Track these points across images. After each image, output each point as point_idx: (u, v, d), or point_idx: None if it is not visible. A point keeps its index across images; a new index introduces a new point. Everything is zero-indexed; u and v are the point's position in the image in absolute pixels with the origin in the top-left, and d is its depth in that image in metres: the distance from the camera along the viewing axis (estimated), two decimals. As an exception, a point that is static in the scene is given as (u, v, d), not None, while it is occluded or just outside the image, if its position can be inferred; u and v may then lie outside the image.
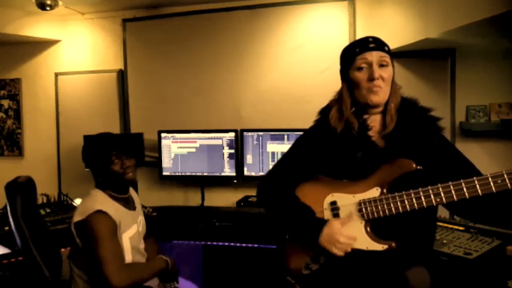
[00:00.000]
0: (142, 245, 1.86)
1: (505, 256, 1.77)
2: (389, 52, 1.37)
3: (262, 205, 1.56)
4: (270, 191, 1.53)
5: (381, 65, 1.34)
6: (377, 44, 1.36)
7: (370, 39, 1.37)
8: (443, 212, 2.01)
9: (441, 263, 1.78)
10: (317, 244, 1.35)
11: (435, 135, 1.36)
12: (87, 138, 1.80)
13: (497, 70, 2.74)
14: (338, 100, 1.44)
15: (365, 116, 1.39)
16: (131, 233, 1.77)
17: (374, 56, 1.34)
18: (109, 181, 1.76)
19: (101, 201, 1.70)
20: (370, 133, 1.38)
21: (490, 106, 2.78)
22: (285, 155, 1.57)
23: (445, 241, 1.93)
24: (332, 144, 1.41)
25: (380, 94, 1.34)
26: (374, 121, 1.39)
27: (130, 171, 1.77)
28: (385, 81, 1.34)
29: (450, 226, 2.11)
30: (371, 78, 1.33)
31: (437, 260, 1.80)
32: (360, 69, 1.35)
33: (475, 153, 2.77)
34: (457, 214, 1.47)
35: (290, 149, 1.57)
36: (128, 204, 1.84)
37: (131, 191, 1.94)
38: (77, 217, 1.67)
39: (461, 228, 2.07)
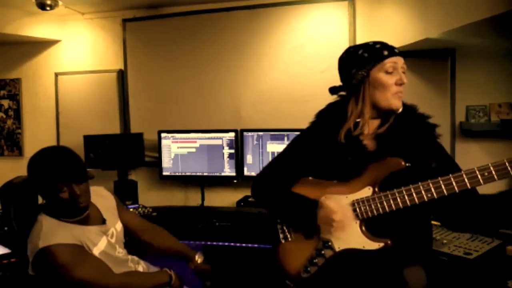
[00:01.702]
0: (119, 253, 1.71)
1: (505, 256, 1.77)
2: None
3: (256, 200, 1.59)
4: (264, 187, 1.55)
5: (402, 72, 1.37)
6: (398, 50, 1.38)
7: (390, 45, 1.39)
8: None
9: (441, 263, 1.79)
10: (315, 226, 1.37)
11: (431, 143, 1.37)
12: (39, 155, 1.56)
13: (497, 70, 2.74)
14: (354, 108, 1.41)
15: (368, 120, 1.40)
16: (101, 248, 1.61)
17: (400, 61, 1.36)
18: (60, 208, 1.55)
19: (47, 233, 1.49)
20: (361, 136, 1.39)
21: (490, 106, 2.78)
22: (279, 155, 1.59)
23: (445, 241, 1.93)
24: (324, 148, 1.42)
25: (401, 100, 1.37)
26: (371, 124, 1.41)
27: (83, 200, 1.55)
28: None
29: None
30: (400, 83, 1.34)
31: (437, 260, 1.80)
32: (388, 72, 1.35)
33: (475, 153, 2.77)
34: (448, 225, 1.49)
35: (285, 149, 1.58)
36: (87, 221, 1.63)
37: (99, 198, 1.75)
38: (30, 256, 1.49)
39: (461, 228, 2.07)
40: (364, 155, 1.37)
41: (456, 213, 1.33)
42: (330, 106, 1.50)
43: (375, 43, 1.39)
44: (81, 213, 1.60)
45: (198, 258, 1.87)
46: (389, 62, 1.34)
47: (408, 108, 1.41)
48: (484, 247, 1.85)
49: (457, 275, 1.73)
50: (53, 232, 1.50)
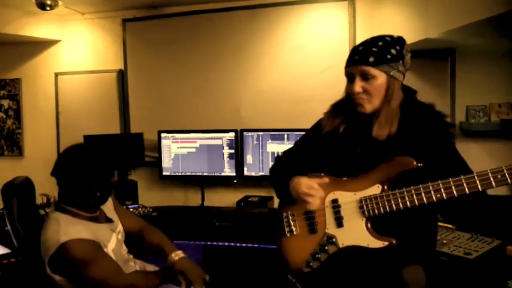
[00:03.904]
0: (124, 251, 1.76)
1: (505, 256, 1.77)
2: (378, 61, 1.32)
3: (270, 175, 1.66)
4: (275, 166, 1.64)
5: (365, 78, 1.35)
6: (362, 56, 1.34)
7: (360, 48, 1.37)
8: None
9: (441, 263, 1.78)
10: (289, 195, 1.46)
11: (445, 142, 1.36)
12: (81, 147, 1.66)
13: (497, 70, 2.74)
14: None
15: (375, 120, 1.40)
16: (113, 246, 1.65)
17: (356, 71, 1.36)
18: (96, 198, 1.62)
19: (66, 228, 1.51)
20: (376, 133, 1.38)
21: (490, 106, 2.78)
22: (298, 141, 1.65)
23: (445, 241, 1.93)
24: (335, 138, 1.44)
25: (366, 105, 1.37)
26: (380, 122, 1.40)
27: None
28: (370, 93, 1.35)
29: (450, 226, 2.11)
30: (352, 93, 1.37)
31: (437, 260, 1.80)
32: (348, 81, 1.40)
33: (475, 153, 2.76)
34: (454, 223, 1.48)
35: (303, 135, 1.63)
36: (98, 219, 1.69)
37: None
38: (46, 255, 1.50)
39: (461, 228, 2.08)
40: (375, 150, 1.36)
41: (462, 213, 1.32)
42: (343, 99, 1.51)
43: (353, 47, 1.42)
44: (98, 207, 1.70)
45: (175, 256, 1.70)
46: (346, 73, 1.41)
47: (426, 107, 1.41)
48: (484, 247, 1.84)
49: (457, 275, 1.73)
50: (72, 227, 1.52)
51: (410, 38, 2.40)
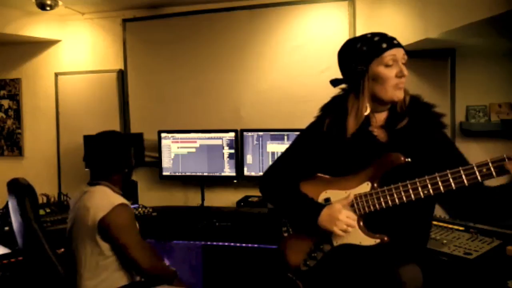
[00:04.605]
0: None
1: (505, 256, 1.77)
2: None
3: (264, 197, 1.60)
4: (272, 183, 1.54)
5: (402, 63, 1.34)
6: (398, 41, 1.35)
7: (389, 36, 1.36)
8: (443, 212, 2.01)
9: (441, 263, 1.78)
10: (316, 225, 1.36)
11: (439, 131, 1.37)
12: (106, 136, 1.93)
13: (497, 70, 2.74)
14: (354, 102, 1.39)
15: (374, 113, 1.39)
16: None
17: (399, 53, 1.33)
18: (125, 174, 1.90)
19: (114, 195, 1.77)
20: (373, 129, 1.38)
21: (490, 106, 2.78)
22: (286, 151, 1.58)
23: (445, 241, 1.93)
24: (333, 143, 1.41)
25: (403, 90, 1.36)
26: (379, 116, 1.40)
27: None
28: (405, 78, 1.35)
29: (450, 226, 2.11)
30: (400, 75, 1.32)
31: (436, 259, 1.80)
32: (388, 65, 1.33)
33: (475, 153, 2.75)
34: (453, 214, 1.47)
35: (292, 144, 1.58)
36: None
37: None
38: (98, 215, 1.68)
39: (461, 228, 2.07)
40: (376, 147, 1.36)
41: (461, 204, 1.32)
42: (333, 99, 1.49)
43: (374, 35, 1.37)
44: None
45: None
46: (388, 56, 1.32)
47: (413, 98, 1.41)
48: (484, 247, 1.84)
49: (457, 275, 1.73)
50: (117, 195, 1.78)
51: (410, 38, 2.41)
